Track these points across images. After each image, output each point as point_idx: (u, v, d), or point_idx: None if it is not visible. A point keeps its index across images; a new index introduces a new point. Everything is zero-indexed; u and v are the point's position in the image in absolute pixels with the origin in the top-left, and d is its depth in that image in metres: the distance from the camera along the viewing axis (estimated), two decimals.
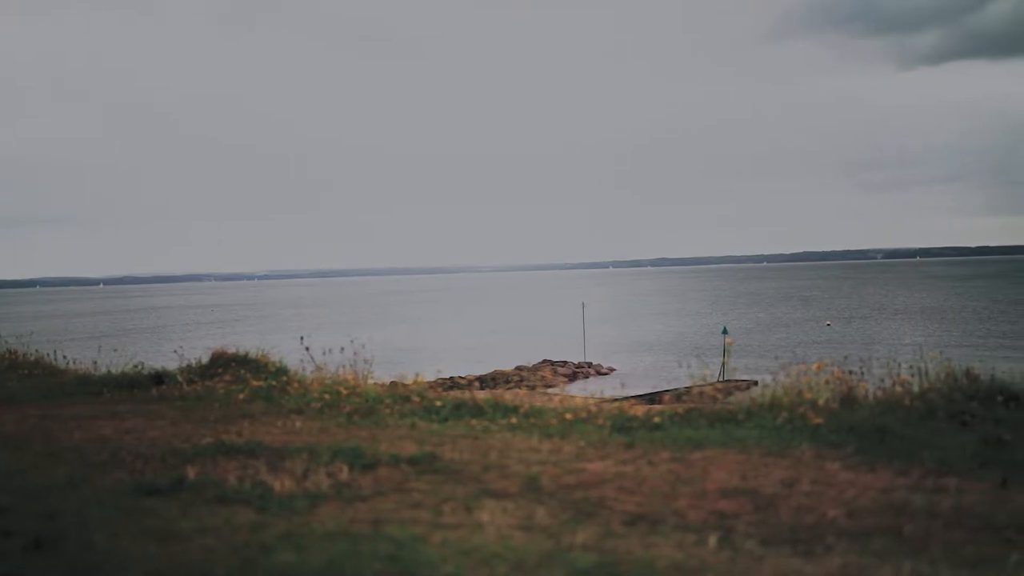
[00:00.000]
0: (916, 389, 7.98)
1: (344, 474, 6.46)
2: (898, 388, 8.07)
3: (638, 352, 70.61)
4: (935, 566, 4.35)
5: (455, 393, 10.27)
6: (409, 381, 10.68)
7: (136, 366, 13.20)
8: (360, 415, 9.26)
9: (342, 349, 11.80)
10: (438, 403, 9.48)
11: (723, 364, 47.36)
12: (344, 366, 11.39)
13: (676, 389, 20.90)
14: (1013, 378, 8.04)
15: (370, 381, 10.92)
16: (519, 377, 51.17)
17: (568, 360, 64.68)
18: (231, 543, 4.89)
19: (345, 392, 10.20)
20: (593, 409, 8.68)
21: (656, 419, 8.17)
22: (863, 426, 7.25)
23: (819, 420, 7.51)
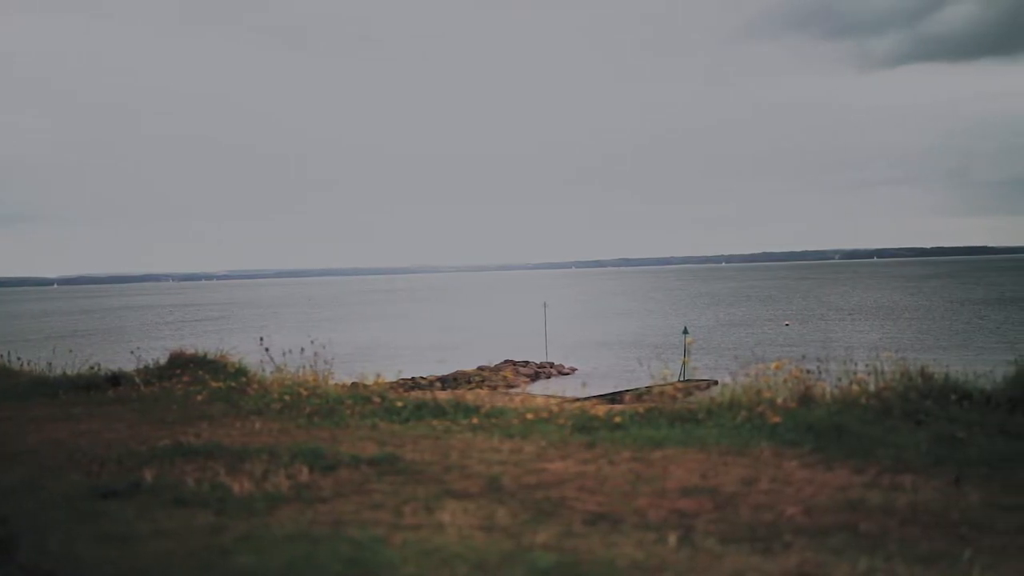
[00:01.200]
0: (872, 388, 8.08)
1: (304, 475, 6.42)
2: (855, 387, 8.17)
3: (600, 352, 70.89)
4: (891, 562, 4.41)
5: (416, 394, 10.24)
6: (370, 382, 10.63)
7: (92, 367, 13.01)
8: (320, 416, 9.20)
9: (302, 350, 11.71)
10: (399, 404, 9.45)
11: (684, 364, 47.61)
12: (304, 367, 11.31)
13: (637, 389, 21.00)
14: (966, 377, 8.16)
15: (331, 382, 10.86)
16: (481, 377, 51.05)
17: (530, 360, 64.77)
18: (189, 546, 4.84)
19: (305, 393, 10.13)
20: (554, 409, 8.69)
21: (617, 419, 8.20)
22: (821, 425, 7.33)
23: (778, 419, 7.58)
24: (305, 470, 6.53)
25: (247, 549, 4.76)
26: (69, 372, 13.03)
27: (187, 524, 5.27)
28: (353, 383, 10.80)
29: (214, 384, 11.14)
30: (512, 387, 49.18)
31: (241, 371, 11.99)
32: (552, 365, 63.74)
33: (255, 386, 10.97)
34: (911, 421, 7.39)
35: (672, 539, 4.82)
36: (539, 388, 49.64)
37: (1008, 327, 77.78)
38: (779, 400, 8.06)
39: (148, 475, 6.49)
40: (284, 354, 11.89)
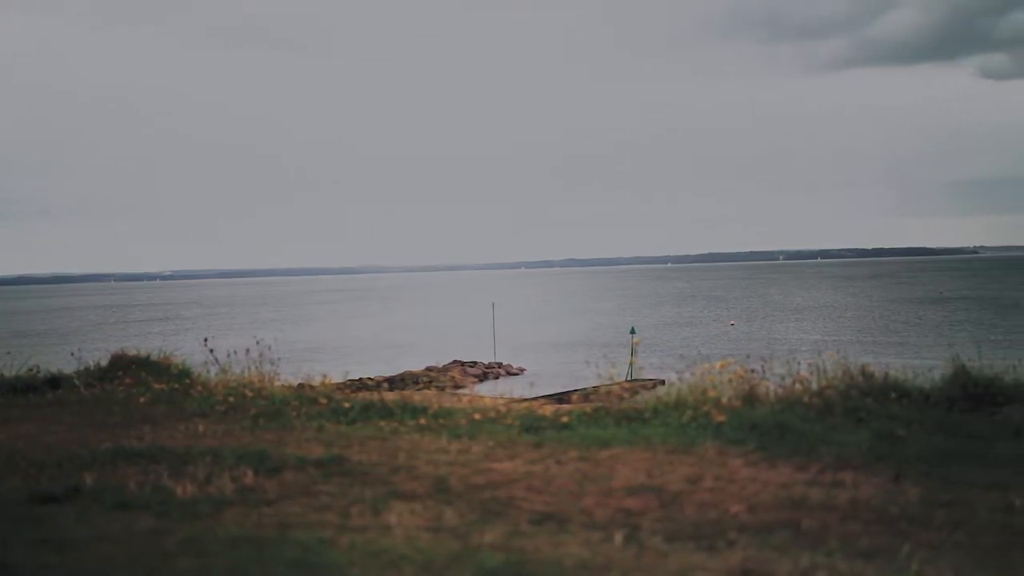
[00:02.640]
0: (815, 387, 8.21)
1: (249, 478, 6.35)
2: (798, 386, 8.30)
3: (548, 352, 71.03)
4: (832, 558, 4.49)
5: (363, 394, 10.19)
6: (316, 382, 10.56)
7: (31, 369, 12.72)
8: (266, 418, 9.11)
9: (247, 351, 11.58)
10: (346, 405, 9.39)
11: (631, 363, 48.01)
12: (250, 368, 11.20)
13: (584, 389, 21.10)
14: (906, 375, 8.33)
15: (276, 383, 10.76)
16: (429, 378, 50.92)
17: (478, 360, 64.68)
18: (130, 550, 4.77)
19: (250, 394, 10.03)
20: (502, 409, 8.71)
21: (564, 418, 8.24)
22: (764, 423, 7.43)
23: (722, 418, 7.67)
24: (250, 472, 6.47)
25: (190, 553, 4.70)
26: (6, 374, 12.74)
27: (128, 528, 5.18)
28: (299, 384, 10.72)
29: (157, 386, 10.97)
30: (460, 387, 49.14)
31: (185, 372, 11.84)
32: (500, 365, 63.71)
33: (199, 388, 10.83)
34: (852, 419, 7.53)
35: (618, 538, 4.86)
36: (487, 388, 49.61)
37: (946, 326, 79.50)
38: (724, 399, 8.16)
39: (88, 479, 6.38)
40: (229, 355, 11.76)
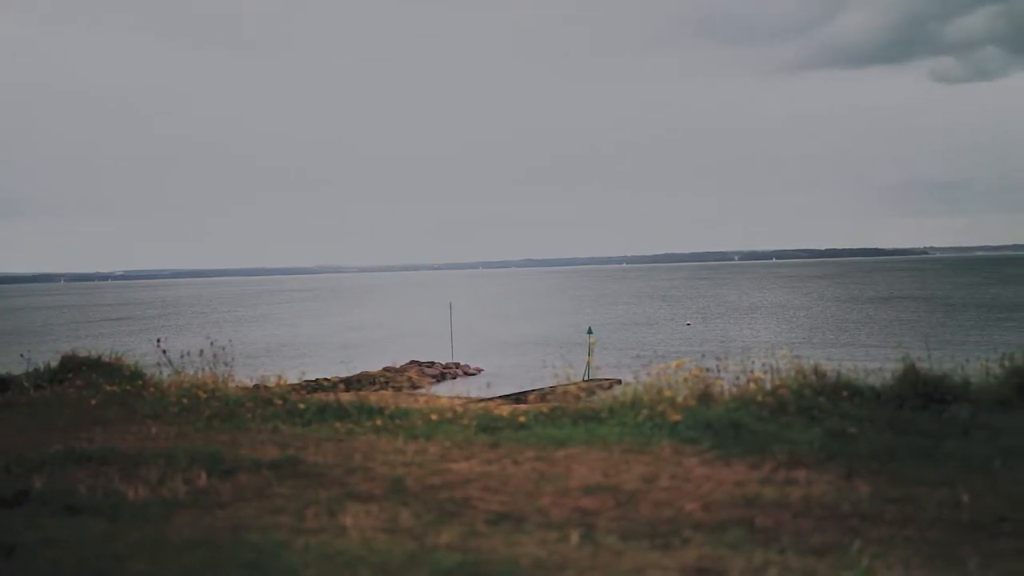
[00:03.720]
0: (768, 386, 8.29)
1: (202, 480, 6.29)
2: (752, 385, 8.37)
3: (505, 352, 71.08)
4: (784, 555, 4.55)
5: (319, 395, 10.13)
6: (272, 384, 10.47)
7: None
8: (220, 419, 9.02)
9: (201, 352, 11.46)
10: (301, 406, 9.33)
11: (587, 363, 48.19)
12: (203, 369, 11.08)
13: (541, 389, 21.13)
14: (857, 374, 8.45)
15: (231, 384, 10.66)
16: (386, 379, 50.63)
17: (436, 361, 64.55)
18: (81, 555, 4.69)
19: (204, 396, 9.92)
20: (459, 410, 8.70)
21: (521, 418, 8.25)
22: (719, 422, 7.50)
23: (678, 417, 7.73)
24: (203, 475, 6.40)
25: (142, 556, 4.64)
26: None
27: (79, 532, 5.11)
28: (254, 385, 10.63)
29: (109, 387, 10.82)
30: (417, 388, 48.97)
31: (137, 374, 11.69)
32: (458, 366, 63.64)
33: (152, 389, 10.70)
34: (805, 417, 7.62)
35: (574, 537, 4.88)
36: (444, 389, 49.46)
37: (896, 325, 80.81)
38: (679, 398, 8.22)
39: (38, 482, 6.27)
40: (182, 356, 11.64)
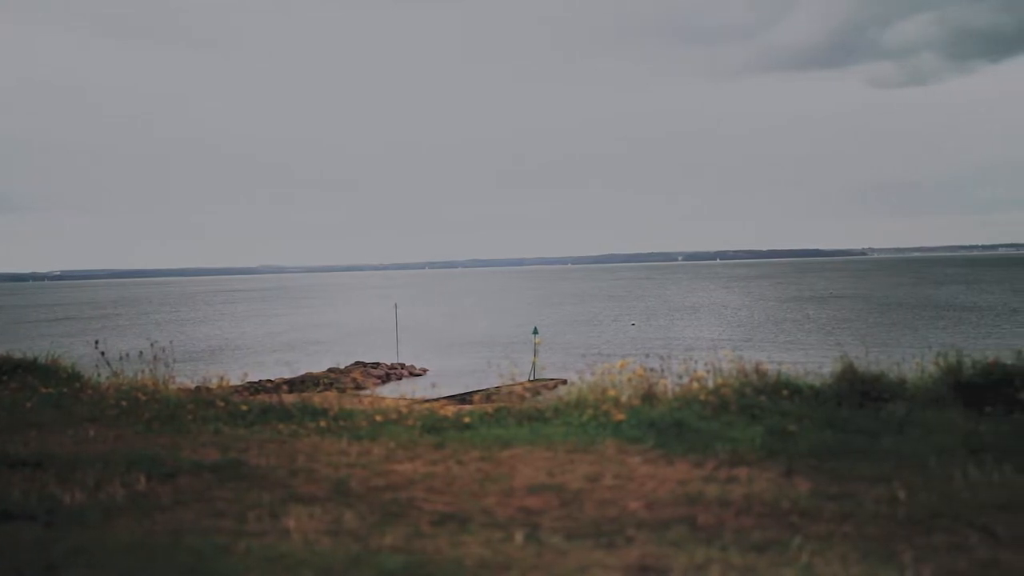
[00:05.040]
0: (711, 385, 8.38)
1: (141, 484, 6.18)
2: (695, 384, 8.46)
3: (451, 352, 71.02)
4: (726, 552, 4.60)
5: (262, 397, 10.01)
6: (213, 385, 10.32)
7: None
8: (160, 421, 8.88)
9: (141, 353, 11.27)
10: (244, 407, 9.21)
11: (533, 364, 48.26)
12: (143, 370, 10.89)
13: (487, 389, 21.15)
14: (797, 373, 8.59)
15: (171, 386, 10.49)
16: (330, 379, 50.25)
17: (381, 361, 64.28)
18: (13, 561, 4.58)
19: (144, 397, 9.74)
20: (404, 410, 8.66)
21: (466, 419, 8.25)
22: (662, 421, 7.56)
23: (622, 416, 7.78)
24: (142, 478, 6.29)
25: (78, 562, 4.54)
26: None
27: (12, 539, 4.98)
28: (196, 387, 10.47)
29: (44, 390, 10.58)
30: (362, 389, 48.71)
31: (74, 376, 11.46)
32: (403, 366, 63.43)
33: (89, 391, 10.49)
34: (747, 416, 7.72)
35: (519, 537, 4.88)
36: (389, 390, 49.30)
37: (834, 324, 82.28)
38: (623, 398, 8.27)
39: None
40: (121, 358, 11.45)
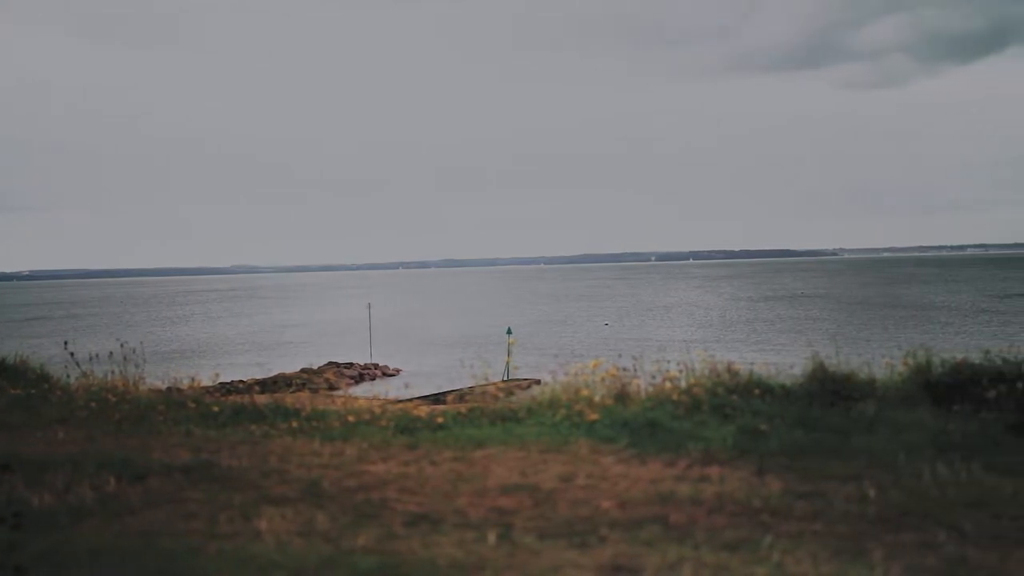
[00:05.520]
0: (683, 384, 8.42)
1: (111, 486, 6.13)
2: (667, 384, 8.49)
3: (424, 352, 70.86)
4: (698, 551, 4.63)
5: (234, 398, 9.96)
6: (185, 386, 10.25)
7: None
8: (130, 423, 8.81)
9: (111, 354, 11.16)
10: (215, 408, 9.16)
11: (507, 364, 48.28)
12: (113, 371, 10.79)
13: (460, 389, 21.13)
14: (768, 372, 8.64)
15: (142, 387, 10.41)
16: (303, 380, 50.03)
17: (354, 362, 64.02)
18: None
19: (114, 399, 9.66)
20: (377, 411, 8.64)
21: (439, 419, 8.24)
22: (635, 421, 7.59)
23: (595, 416, 7.80)
24: (112, 480, 6.24)
25: (47, 566, 4.50)
26: None
27: None
28: (167, 388, 10.40)
29: (12, 391, 10.47)
30: (335, 389, 48.57)
31: (43, 377, 11.34)
32: (377, 366, 63.19)
33: (59, 392, 10.39)
34: (719, 415, 7.76)
35: (492, 537, 4.89)
36: (362, 390, 49.10)
37: (806, 323, 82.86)
38: (597, 398, 8.29)
39: None
40: (91, 358, 11.34)
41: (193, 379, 10.65)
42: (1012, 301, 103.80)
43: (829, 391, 8.12)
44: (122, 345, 11.34)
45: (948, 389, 7.87)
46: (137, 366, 10.90)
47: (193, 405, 9.32)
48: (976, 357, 8.16)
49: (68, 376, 11.19)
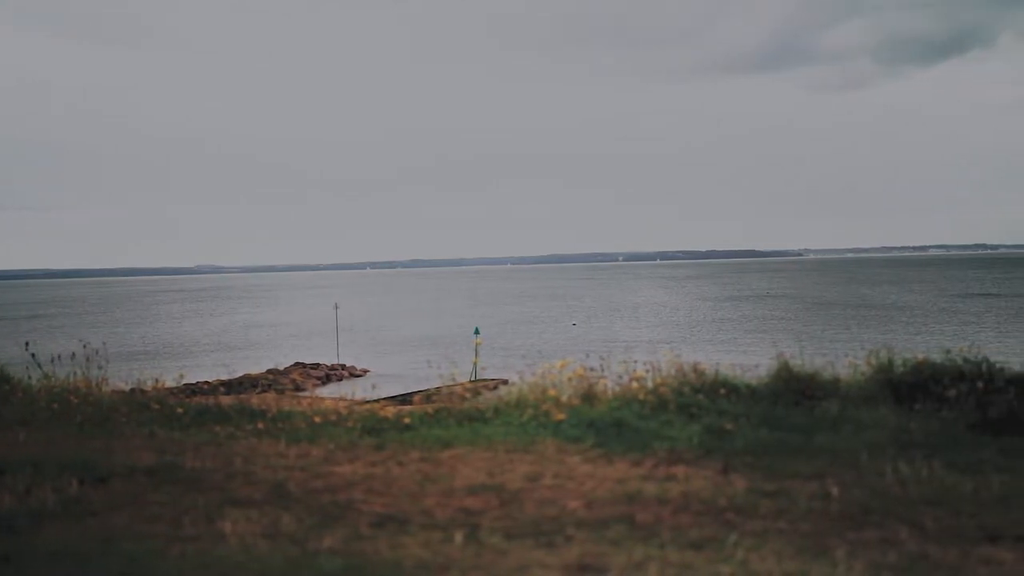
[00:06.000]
0: (650, 384, 8.46)
1: (73, 488, 6.05)
2: (634, 384, 8.53)
3: (392, 353, 70.65)
4: (664, 550, 4.65)
5: (199, 399, 9.88)
6: (148, 387, 10.15)
7: None
8: (93, 424, 8.70)
9: (73, 355, 11.03)
10: (180, 410, 9.07)
11: (474, 364, 48.34)
12: (76, 372, 10.66)
13: (427, 390, 21.11)
14: (734, 372, 8.71)
15: (105, 388, 10.28)
16: (269, 381, 49.74)
17: (321, 362, 63.69)
18: None
19: (76, 400, 9.54)
20: (343, 412, 8.61)
21: (406, 420, 8.22)
22: (602, 420, 7.62)
23: (562, 416, 7.81)
24: (74, 482, 6.16)
25: (7, 570, 4.43)
26: None
27: None
28: (130, 389, 10.29)
29: None
30: (301, 390, 48.34)
31: (4, 378, 11.15)
32: (344, 367, 62.90)
33: (20, 394, 10.23)
34: (685, 415, 7.81)
35: (458, 537, 4.88)
36: (329, 391, 48.86)
37: (771, 323, 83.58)
38: (563, 398, 8.31)
39: None
40: (53, 359, 11.18)
41: (157, 380, 10.55)
42: (972, 301, 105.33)
43: (794, 390, 8.20)
44: (84, 346, 11.21)
45: (910, 388, 7.97)
46: (100, 367, 10.78)
47: (157, 406, 9.23)
48: (937, 357, 8.27)
49: (29, 377, 11.03)
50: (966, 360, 8.06)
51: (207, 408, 9.04)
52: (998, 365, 8.02)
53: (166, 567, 4.42)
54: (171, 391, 10.61)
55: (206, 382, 35.00)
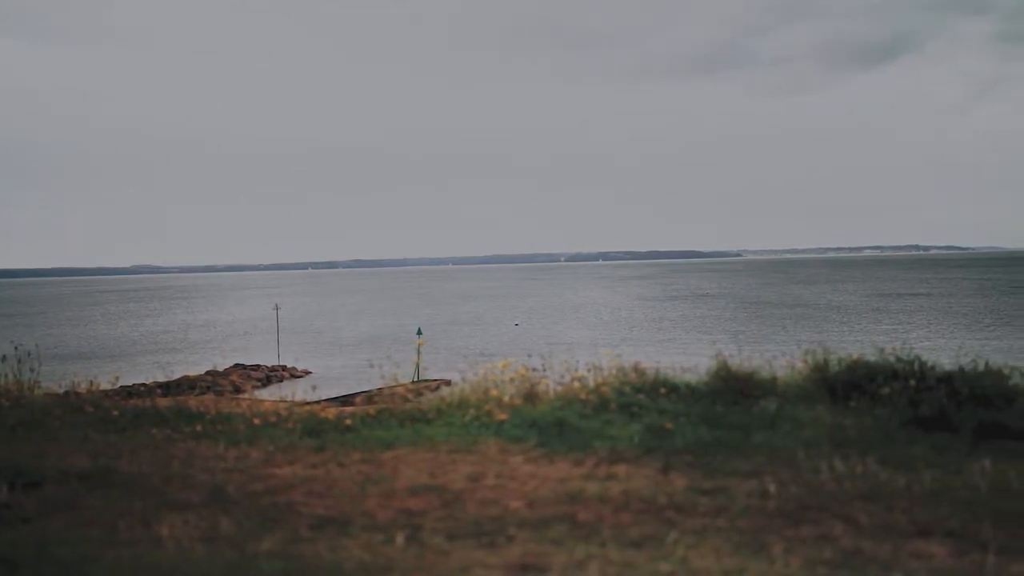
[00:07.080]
0: (591, 384, 8.51)
1: (4, 494, 5.91)
2: (575, 383, 8.57)
3: (333, 354, 70.18)
4: (605, 548, 4.68)
5: (135, 401, 9.69)
6: (82, 389, 9.94)
7: None
8: (25, 428, 8.49)
9: (4, 357, 10.76)
10: (115, 412, 8.90)
11: (416, 365, 48.21)
12: (6, 375, 10.39)
13: (369, 391, 20.99)
14: (674, 371, 8.80)
15: (37, 391, 10.04)
16: (207, 383, 49.09)
17: (261, 363, 63.04)
18: None
19: (7, 403, 9.30)
20: (283, 413, 8.52)
21: (348, 421, 8.16)
22: (544, 420, 7.64)
23: (504, 416, 7.82)
24: (5, 488, 6.01)
25: None
26: None
27: None
28: (64, 392, 10.06)
29: None
30: (241, 392, 47.79)
31: None
32: (285, 368, 62.36)
33: None
34: (626, 414, 7.86)
35: (400, 538, 4.86)
36: (269, 392, 48.34)
37: (710, 322, 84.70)
38: (506, 398, 8.32)
39: None
40: None
41: (92, 382, 10.33)
42: (904, 300, 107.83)
43: (732, 389, 8.30)
44: (16, 347, 10.94)
45: (845, 387, 8.13)
46: (32, 369, 10.52)
47: (91, 409, 9.04)
48: (871, 356, 8.45)
49: None
50: (899, 359, 8.24)
51: (144, 410, 8.88)
52: (929, 364, 8.22)
53: (100, 573, 4.34)
54: (106, 393, 10.40)
55: (143, 384, 34.38)
